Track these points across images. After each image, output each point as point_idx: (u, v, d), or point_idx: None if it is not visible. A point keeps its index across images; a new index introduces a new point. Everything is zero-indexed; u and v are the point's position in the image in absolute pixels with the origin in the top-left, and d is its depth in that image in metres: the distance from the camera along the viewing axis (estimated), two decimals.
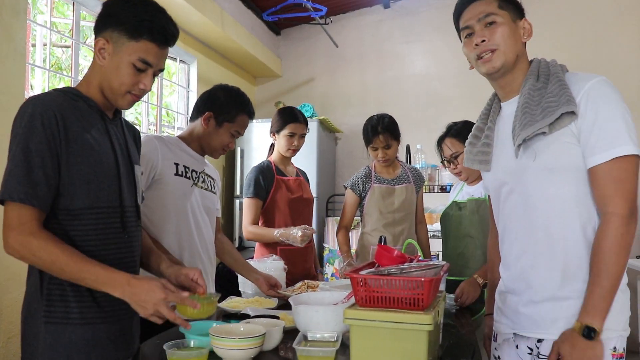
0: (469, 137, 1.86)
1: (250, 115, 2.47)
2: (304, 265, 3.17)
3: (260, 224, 3.13)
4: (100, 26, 1.61)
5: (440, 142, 2.94)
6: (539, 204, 1.59)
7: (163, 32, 1.62)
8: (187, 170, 2.34)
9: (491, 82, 1.74)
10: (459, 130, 2.86)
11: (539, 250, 1.60)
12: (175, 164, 2.29)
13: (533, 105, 1.56)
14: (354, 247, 3.84)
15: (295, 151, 3.22)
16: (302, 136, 3.22)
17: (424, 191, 4.09)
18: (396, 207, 3.26)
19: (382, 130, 3.18)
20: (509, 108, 1.69)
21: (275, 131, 3.22)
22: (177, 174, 2.29)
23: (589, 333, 1.43)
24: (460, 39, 1.74)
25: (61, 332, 1.52)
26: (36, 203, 1.44)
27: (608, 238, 1.46)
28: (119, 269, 1.53)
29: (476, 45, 1.64)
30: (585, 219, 1.54)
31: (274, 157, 3.27)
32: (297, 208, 3.20)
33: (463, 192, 2.93)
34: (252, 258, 3.06)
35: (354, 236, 4.15)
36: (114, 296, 1.49)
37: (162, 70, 1.69)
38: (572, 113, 1.50)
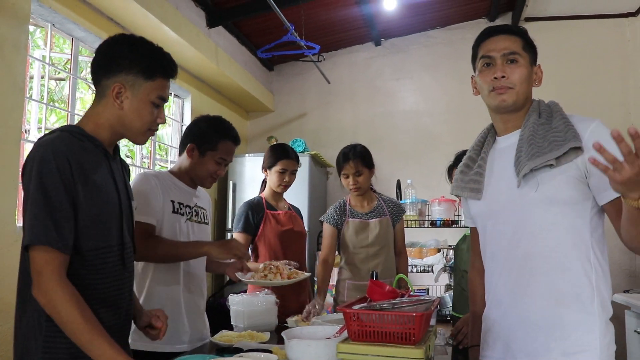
0: (459, 166, 1.90)
1: (234, 140, 2.48)
2: (297, 299, 3.21)
3: (251, 258, 3.19)
4: (109, 70, 1.63)
5: (449, 171, 2.97)
6: (537, 232, 1.62)
7: (172, 67, 1.72)
8: (181, 206, 2.37)
9: (494, 115, 1.79)
10: None
11: (533, 279, 1.63)
12: (171, 201, 2.33)
13: (538, 138, 1.61)
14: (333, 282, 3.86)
15: (286, 187, 3.30)
16: (293, 172, 3.30)
17: (411, 225, 4.11)
18: (370, 242, 3.23)
19: (352, 156, 3.18)
20: (507, 141, 1.75)
21: (267, 167, 3.30)
22: (173, 211, 2.32)
23: None
24: (474, 65, 1.79)
25: None
26: (61, 246, 1.45)
27: None
28: (118, 303, 1.63)
29: (495, 78, 1.67)
30: (581, 250, 1.59)
31: (265, 192, 3.36)
32: (287, 241, 3.26)
33: None
34: (245, 292, 3.10)
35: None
36: (117, 329, 1.58)
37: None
38: (579, 149, 1.55)
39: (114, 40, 1.67)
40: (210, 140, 2.41)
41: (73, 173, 1.50)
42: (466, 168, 1.86)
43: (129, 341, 1.85)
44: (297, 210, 3.52)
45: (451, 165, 2.99)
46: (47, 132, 3.22)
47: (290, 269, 2.86)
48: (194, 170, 2.43)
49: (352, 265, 3.26)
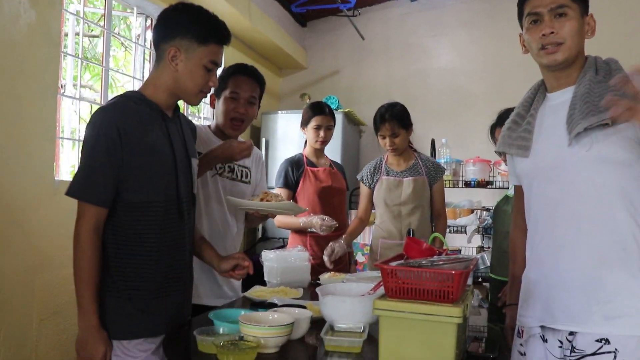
0: (507, 122, 1.85)
1: (242, 71, 2.43)
2: None
3: None
4: (166, 35, 1.80)
5: (492, 131, 2.89)
6: (586, 192, 1.57)
7: (226, 34, 1.86)
8: None
9: (546, 72, 1.72)
10: None
11: (578, 240, 1.59)
12: (198, 153, 2.29)
13: (594, 96, 1.55)
14: (367, 240, 3.94)
15: (323, 143, 3.34)
16: (329, 128, 3.33)
17: (445, 185, 4.04)
18: (402, 200, 3.19)
19: (389, 117, 3.12)
20: (559, 98, 1.69)
21: (304, 125, 3.35)
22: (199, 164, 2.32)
23: None
24: (521, 23, 1.72)
25: (124, 303, 1.74)
26: (95, 200, 1.69)
27: None
28: (176, 251, 1.85)
29: (543, 35, 1.61)
30: (630, 212, 1.54)
31: (306, 150, 3.42)
32: (326, 197, 3.31)
33: None
34: (282, 247, 3.16)
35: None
36: (162, 275, 1.80)
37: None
38: None
39: (173, 8, 1.85)
40: (222, 81, 2.39)
41: (121, 137, 1.69)
42: (514, 124, 1.80)
43: None
44: (340, 167, 3.55)
45: (494, 124, 2.90)
46: (82, 88, 3.27)
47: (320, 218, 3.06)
48: (218, 120, 2.43)
49: (384, 223, 3.26)
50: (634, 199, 1.54)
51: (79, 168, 1.73)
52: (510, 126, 1.82)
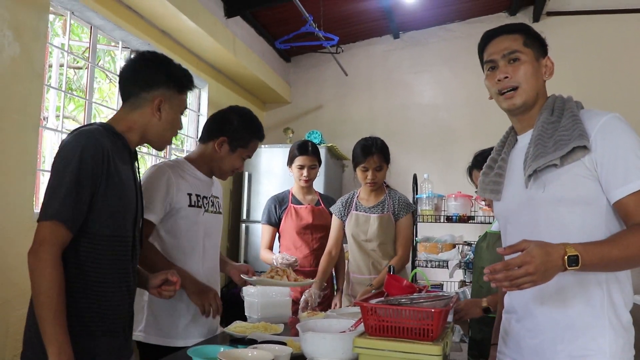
0: (483, 167, 1.88)
1: (262, 139, 2.53)
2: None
3: (279, 248, 3.44)
4: (148, 84, 1.83)
5: (470, 171, 2.92)
6: (547, 234, 1.54)
7: (192, 82, 1.97)
8: (199, 198, 2.35)
9: (510, 116, 1.76)
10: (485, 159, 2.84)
11: None
12: (188, 194, 2.30)
13: (546, 138, 1.58)
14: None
15: (307, 181, 3.42)
16: (312, 167, 3.42)
17: (426, 219, 4.05)
18: (367, 237, 3.18)
19: (376, 150, 3.12)
20: (524, 140, 1.71)
21: (289, 163, 3.45)
22: (190, 204, 2.30)
23: (571, 258, 1.37)
24: (483, 70, 1.77)
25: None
26: (69, 221, 1.57)
27: None
28: (122, 292, 1.76)
29: (498, 80, 1.66)
30: None
31: (293, 187, 3.52)
32: (307, 235, 3.40)
33: (495, 224, 2.89)
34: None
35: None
36: (115, 310, 1.72)
37: None
38: (584, 147, 1.51)
39: (149, 57, 1.90)
40: (243, 138, 2.43)
41: (104, 164, 1.65)
42: (488, 169, 1.84)
43: (141, 334, 2.16)
44: (331, 202, 3.54)
45: (470, 166, 2.95)
46: (65, 120, 3.26)
47: (296, 264, 3.13)
48: (219, 163, 2.42)
49: (354, 258, 3.27)
50: (596, 237, 1.50)
51: (55, 185, 1.59)
52: (485, 171, 1.85)
